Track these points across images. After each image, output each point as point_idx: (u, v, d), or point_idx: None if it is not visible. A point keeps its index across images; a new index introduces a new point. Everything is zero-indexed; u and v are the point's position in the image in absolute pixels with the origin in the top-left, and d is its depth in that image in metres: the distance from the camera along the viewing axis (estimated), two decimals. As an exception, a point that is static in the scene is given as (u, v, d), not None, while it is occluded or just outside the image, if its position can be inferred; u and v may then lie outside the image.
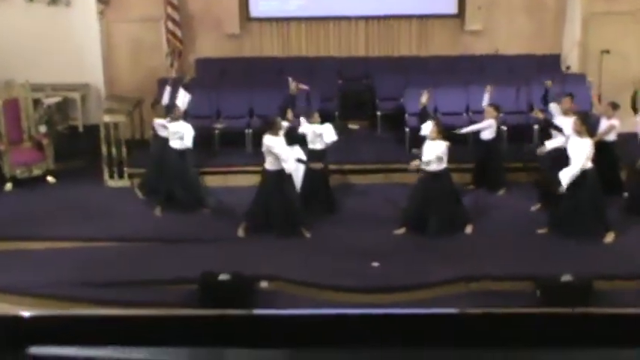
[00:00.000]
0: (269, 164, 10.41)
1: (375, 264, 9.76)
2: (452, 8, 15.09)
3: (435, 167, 10.35)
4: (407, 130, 12.81)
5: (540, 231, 10.49)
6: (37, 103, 13.20)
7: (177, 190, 11.34)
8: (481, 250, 10.17)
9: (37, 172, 12.68)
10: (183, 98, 11.62)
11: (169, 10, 14.44)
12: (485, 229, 10.74)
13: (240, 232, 10.66)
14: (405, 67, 14.61)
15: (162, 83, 12.92)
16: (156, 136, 11.88)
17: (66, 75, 14.10)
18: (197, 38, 15.08)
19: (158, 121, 11.63)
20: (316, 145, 11.07)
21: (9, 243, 10.61)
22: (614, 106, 11.47)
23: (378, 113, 14.00)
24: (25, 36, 13.99)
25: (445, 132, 10.53)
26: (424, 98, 11.20)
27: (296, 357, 2.02)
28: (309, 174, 10.91)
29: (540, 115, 11.47)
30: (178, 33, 14.56)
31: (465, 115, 13.24)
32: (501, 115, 12.03)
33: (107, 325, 2.05)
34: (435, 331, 2.17)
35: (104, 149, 12.55)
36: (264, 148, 10.36)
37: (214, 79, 14.41)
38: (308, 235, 10.60)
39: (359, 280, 9.41)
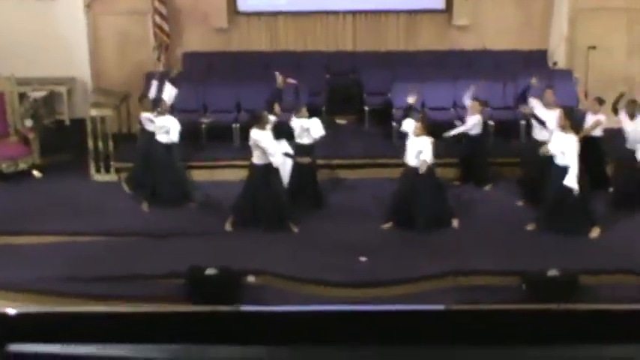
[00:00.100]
0: (256, 158, 10.41)
1: (363, 259, 9.78)
2: (439, 3, 15.08)
3: (417, 162, 10.37)
4: (394, 124, 12.81)
5: (529, 227, 10.52)
6: (23, 96, 13.09)
7: (164, 185, 11.32)
8: (468, 244, 10.20)
9: (23, 166, 12.60)
10: (169, 92, 11.61)
11: (156, 3, 14.36)
12: (472, 224, 10.76)
13: (228, 227, 10.65)
14: (393, 61, 14.59)
15: (149, 77, 12.89)
16: (143, 130, 11.83)
17: (52, 69, 14.03)
18: (184, 32, 15.02)
19: (145, 115, 11.60)
20: (304, 140, 11.07)
21: (-5, 237, 10.57)
22: (600, 102, 11.52)
23: (366, 108, 13.99)
24: (11, 29, 13.91)
25: (430, 128, 10.54)
26: (412, 99, 11.19)
27: (280, 353, 2.02)
28: (296, 168, 10.91)
29: (527, 111, 11.49)
30: (165, 27, 14.50)
31: (452, 110, 13.25)
32: (487, 109, 12.04)
33: (90, 322, 2.05)
34: (421, 328, 2.18)
35: (91, 143, 12.49)
36: (251, 142, 10.36)
37: (201, 73, 14.36)
38: (295, 229, 10.60)
39: (346, 274, 9.42)
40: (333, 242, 10.18)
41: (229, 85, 13.64)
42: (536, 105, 11.36)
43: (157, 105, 11.37)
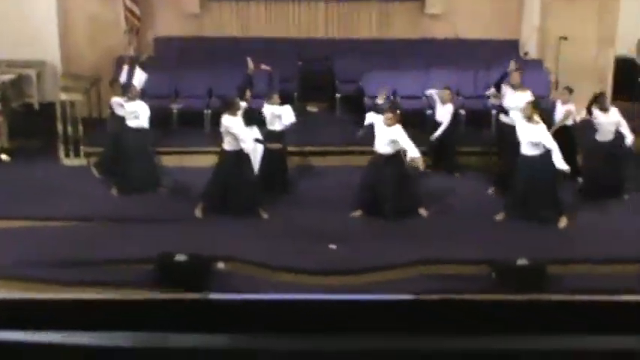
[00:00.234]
0: (227, 145, 10.37)
1: (333, 246, 9.78)
2: (413, -9, 15.09)
3: (387, 150, 10.37)
4: (366, 112, 12.79)
5: (498, 217, 10.57)
6: (-10, 79, 12.98)
7: (134, 170, 11.26)
8: (437, 233, 10.23)
9: (-10, 149, 12.49)
10: (139, 77, 11.51)
11: (128, -14, 14.23)
12: (442, 212, 10.80)
13: (198, 213, 10.60)
14: (365, 49, 14.57)
15: (119, 61, 12.78)
16: (113, 114, 11.74)
17: (21, 51, 13.84)
18: (156, 16, 14.89)
19: (115, 100, 11.51)
20: (275, 127, 11.07)
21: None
22: (570, 91, 11.62)
23: (338, 95, 13.99)
24: (-21, 11, 13.73)
25: (401, 117, 10.52)
26: (380, 99, 11.18)
27: (244, 342, 2.01)
28: (267, 155, 10.89)
29: (495, 101, 11.55)
30: (136, 10, 14.35)
31: (424, 98, 13.26)
32: (459, 98, 12.08)
33: (54, 309, 2.02)
34: (390, 317, 2.17)
35: (60, 127, 12.39)
36: (222, 129, 10.32)
37: (173, 58, 14.27)
38: (265, 216, 10.58)
39: (316, 262, 9.42)
40: (303, 229, 10.17)
41: (201, 70, 13.57)
42: (507, 91, 11.39)
43: (127, 90, 11.28)
